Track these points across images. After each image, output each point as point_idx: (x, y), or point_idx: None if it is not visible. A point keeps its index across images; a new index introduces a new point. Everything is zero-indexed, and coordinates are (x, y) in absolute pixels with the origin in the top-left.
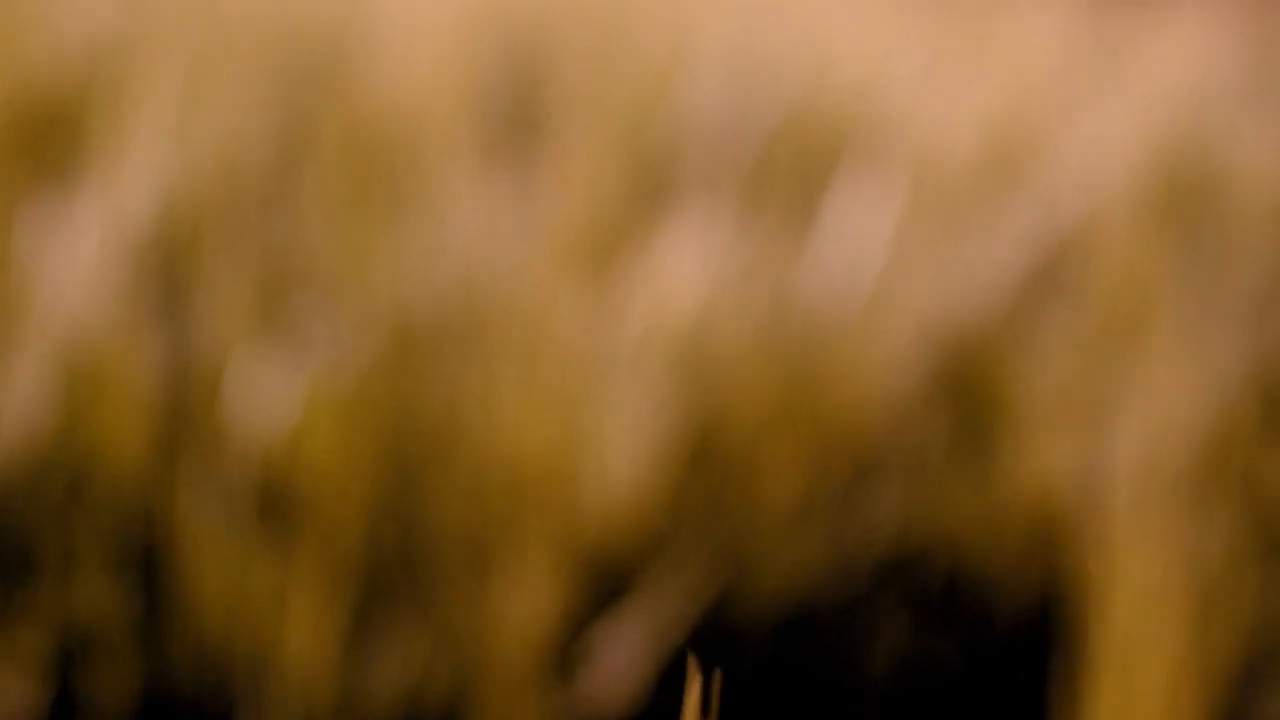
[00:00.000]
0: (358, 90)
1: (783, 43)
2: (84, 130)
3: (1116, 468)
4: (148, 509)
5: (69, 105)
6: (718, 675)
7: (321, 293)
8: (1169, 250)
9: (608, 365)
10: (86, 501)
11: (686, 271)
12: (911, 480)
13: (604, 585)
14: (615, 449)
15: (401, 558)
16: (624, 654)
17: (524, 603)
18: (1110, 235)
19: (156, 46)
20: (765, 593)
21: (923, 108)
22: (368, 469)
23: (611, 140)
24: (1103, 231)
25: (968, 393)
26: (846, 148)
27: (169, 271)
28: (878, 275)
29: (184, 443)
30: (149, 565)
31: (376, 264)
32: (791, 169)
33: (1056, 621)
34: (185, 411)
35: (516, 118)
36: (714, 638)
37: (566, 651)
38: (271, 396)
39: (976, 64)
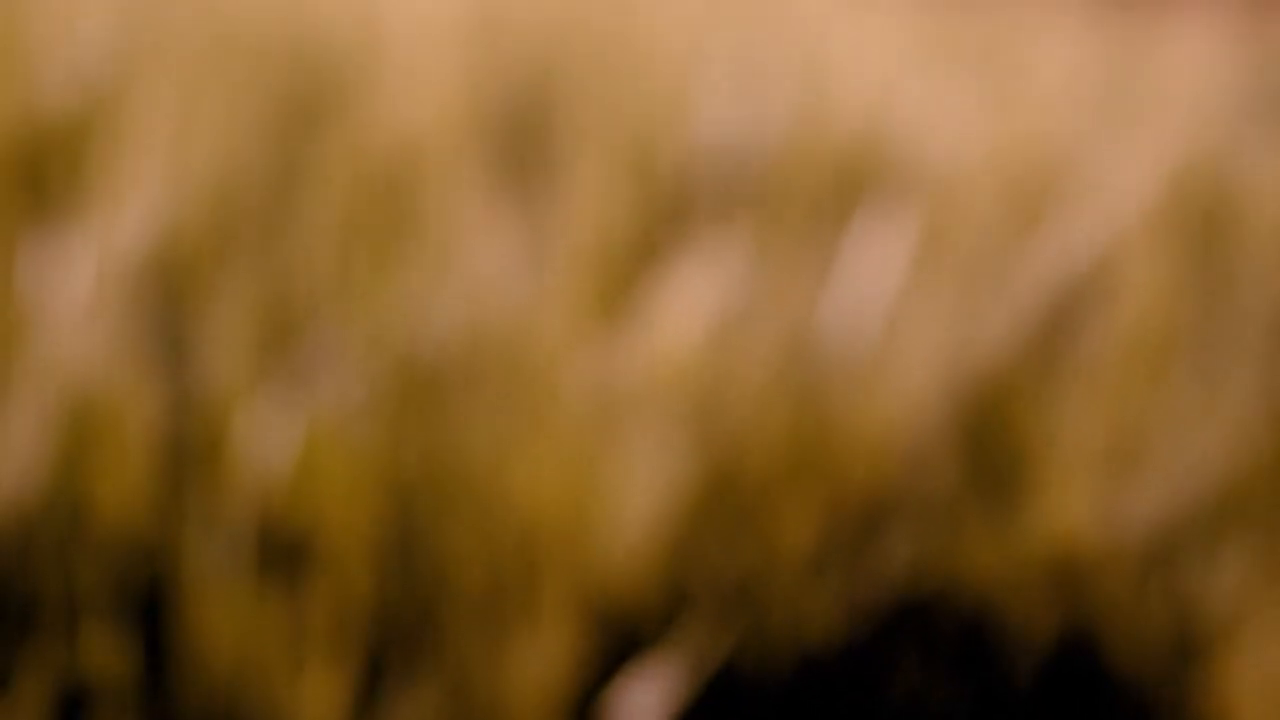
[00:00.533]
0: (363, 120)
1: (794, 67)
2: (84, 164)
3: (1138, 514)
4: (151, 555)
5: (68, 138)
6: None
7: (326, 331)
8: (1189, 286)
9: (620, 410)
10: (88, 548)
11: (698, 313)
12: (929, 526)
13: (619, 637)
14: (629, 497)
15: (413, 607)
16: (641, 707)
17: (539, 655)
18: (1130, 272)
19: (157, 78)
20: (781, 643)
21: (938, 136)
22: (376, 515)
23: (621, 172)
24: (1122, 268)
25: (986, 436)
26: (860, 180)
27: (170, 309)
28: (893, 314)
29: (187, 486)
30: (153, 615)
31: (383, 301)
32: (805, 202)
33: (1076, 669)
34: (188, 453)
35: (524, 147)
36: (730, 689)
37: (582, 705)
38: (276, 438)
39: (990, 87)
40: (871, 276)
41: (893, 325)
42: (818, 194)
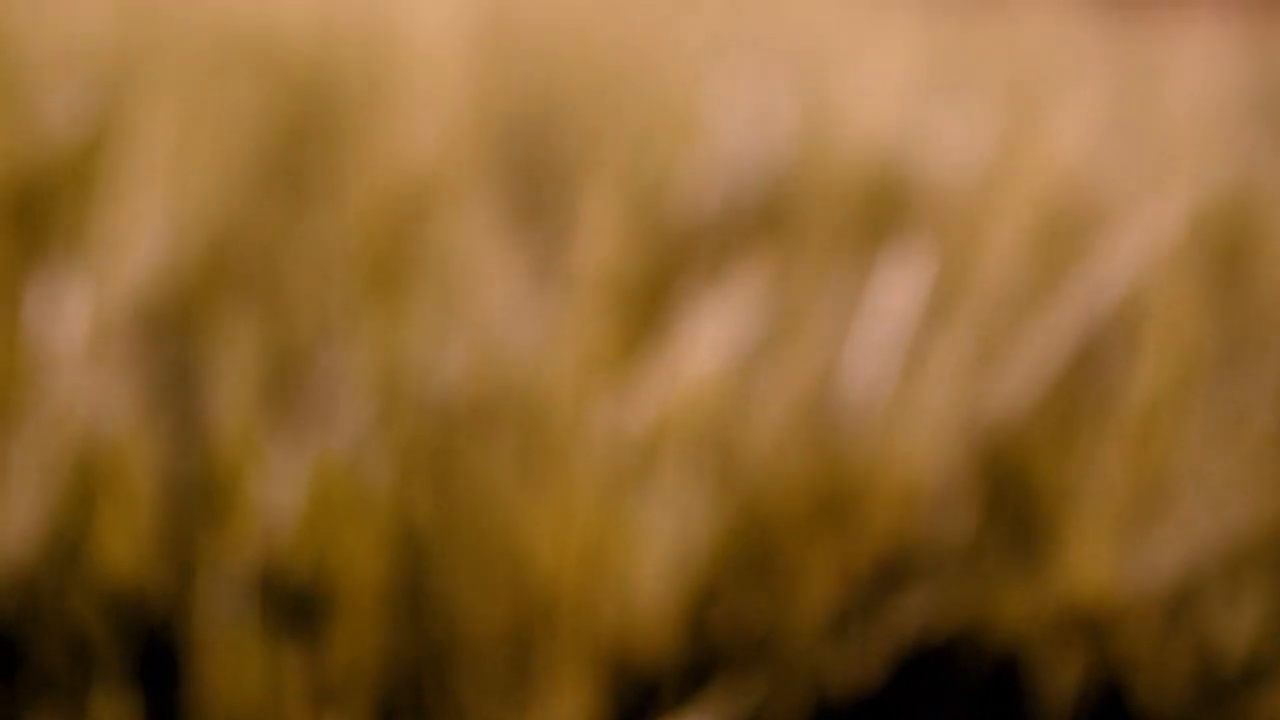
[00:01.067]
0: (370, 153)
1: (807, 92)
2: (84, 202)
3: (1162, 560)
4: (159, 607)
5: (68, 175)
6: None
7: (335, 374)
8: (1212, 328)
9: (638, 458)
10: (94, 601)
11: (715, 357)
12: (952, 576)
13: (639, 693)
14: (648, 549)
15: (427, 661)
16: None
17: (556, 711)
18: (1153, 314)
19: (157, 110)
20: (804, 696)
21: (955, 163)
22: (387, 566)
23: (634, 208)
24: (1146, 310)
25: (1009, 484)
26: (877, 215)
27: (175, 351)
28: (913, 358)
29: (194, 535)
30: (162, 667)
31: (393, 343)
32: (821, 238)
33: (1101, 717)
34: (195, 502)
35: (536, 179)
36: None
37: None
38: (285, 485)
39: (1005, 106)
40: (890, 318)
41: (912, 370)
42: (834, 230)
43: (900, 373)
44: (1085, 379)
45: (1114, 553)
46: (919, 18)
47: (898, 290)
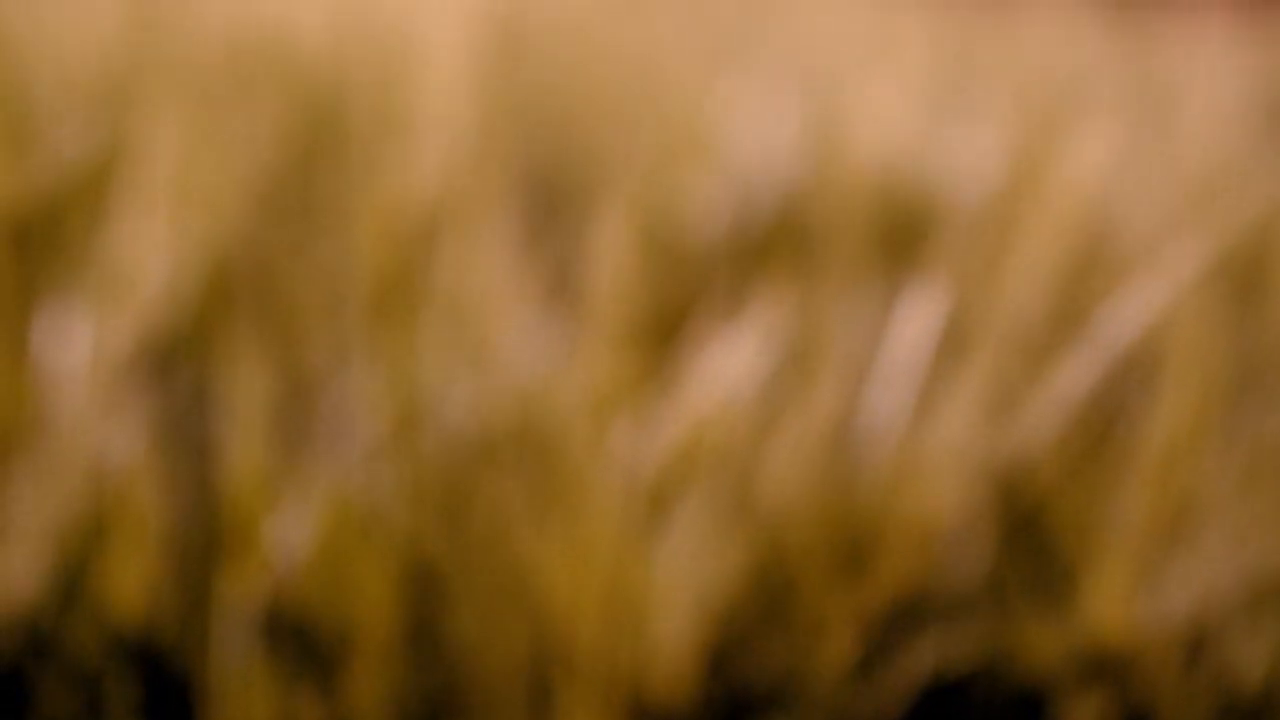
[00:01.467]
0: (381, 181)
1: (820, 119)
2: (87, 234)
3: (1185, 597)
4: (169, 650)
5: (70, 205)
6: None
7: (347, 409)
8: (1234, 360)
9: (655, 498)
10: (102, 645)
11: (732, 393)
12: (973, 617)
13: None
14: (665, 591)
15: (441, 704)
16: None
17: None
18: (1176, 348)
19: (162, 135)
20: None
21: (971, 197)
22: (399, 606)
23: (648, 236)
24: (1168, 344)
25: (1028, 525)
26: (892, 243)
27: (183, 386)
28: (930, 395)
29: (204, 575)
30: (173, 713)
31: (406, 378)
32: (837, 266)
33: None
34: (205, 541)
35: (549, 205)
36: None
37: None
38: (297, 523)
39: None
40: (908, 351)
41: (931, 406)
42: (850, 255)
43: (918, 408)
44: (1105, 414)
45: (1135, 589)
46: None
47: (915, 323)
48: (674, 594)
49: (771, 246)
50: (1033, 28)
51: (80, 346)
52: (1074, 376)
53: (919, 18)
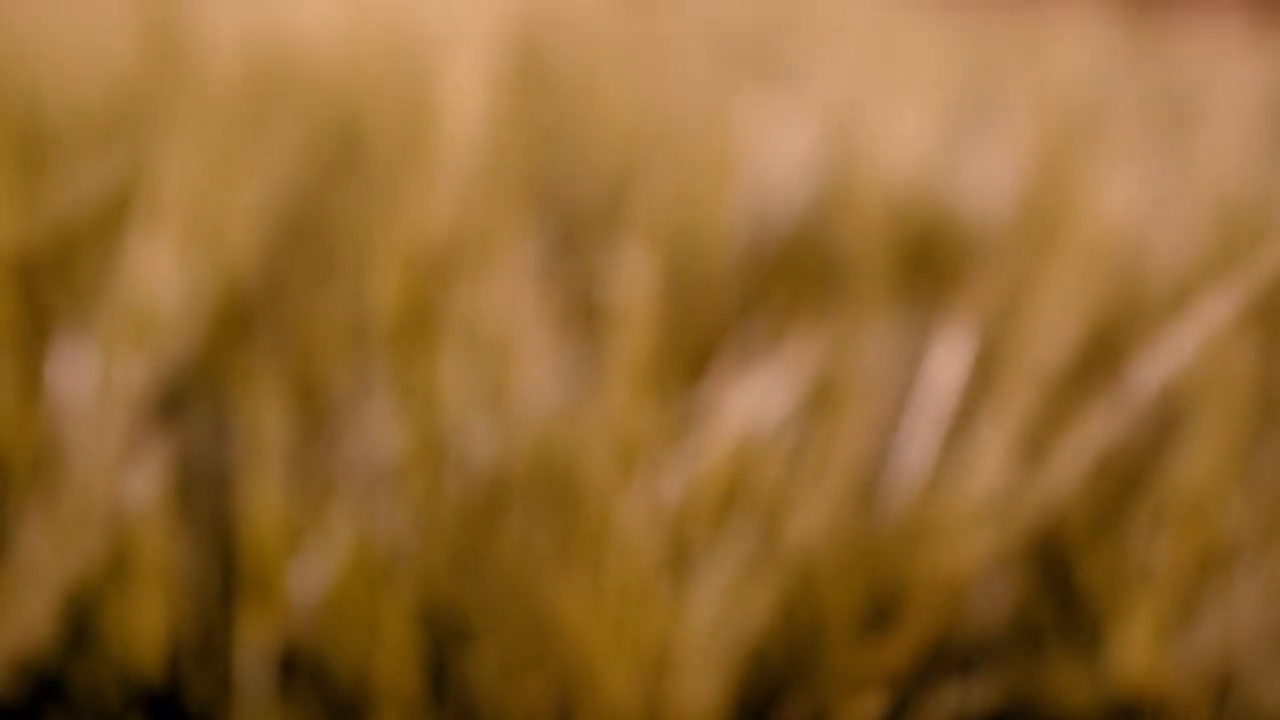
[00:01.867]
0: (400, 214)
1: (842, 143)
2: (106, 269)
3: (1214, 642)
4: (185, 696)
5: (88, 238)
6: None
7: (366, 448)
8: (1265, 399)
9: (680, 541)
10: (118, 689)
11: (755, 435)
12: (1001, 664)
13: None
14: (691, 636)
15: None
16: None
17: None
18: (1206, 389)
19: (182, 167)
20: None
21: (998, 229)
22: (420, 651)
23: (670, 267)
24: (1199, 385)
25: (1057, 571)
26: (918, 283)
27: (201, 423)
28: (956, 445)
29: (222, 620)
30: None
31: (423, 417)
32: (862, 306)
33: None
34: (222, 585)
35: (568, 236)
36: None
37: None
38: (316, 566)
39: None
40: (935, 394)
41: (959, 451)
42: (875, 289)
43: (946, 453)
44: (1134, 458)
45: (1163, 634)
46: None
47: (943, 365)
48: (700, 641)
49: (794, 277)
50: (1050, 29)
51: (95, 384)
52: (1103, 421)
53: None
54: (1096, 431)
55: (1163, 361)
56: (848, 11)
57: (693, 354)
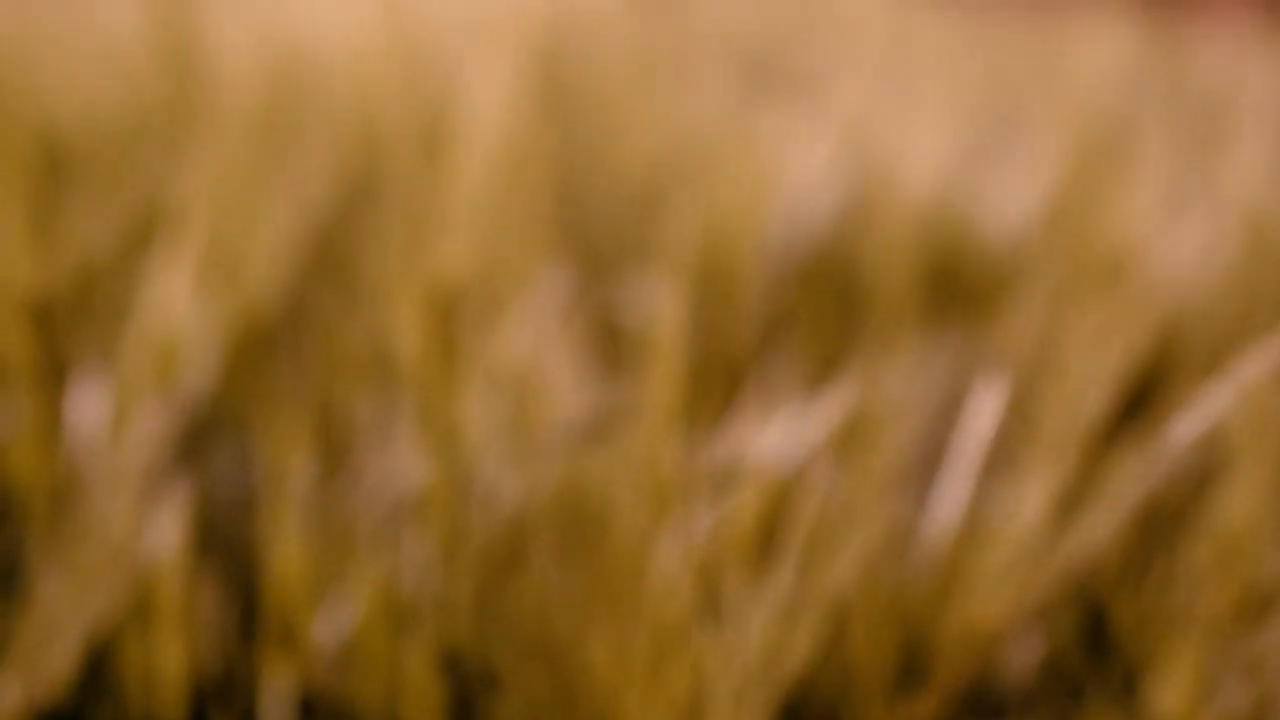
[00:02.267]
0: (422, 249)
1: (867, 169)
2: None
3: (1250, 702)
4: None
5: (105, 277)
6: None
7: (389, 491)
8: None
9: (709, 589)
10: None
11: (788, 481)
12: (1036, 713)
13: None
14: (722, 687)
15: None
16: None
17: None
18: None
19: (201, 200)
20: None
21: (1025, 263)
22: (445, 699)
23: (697, 299)
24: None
25: (1092, 619)
26: (949, 314)
27: (222, 464)
28: (989, 494)
29: (243, 666)
30: None
31: (448, 457)
32: (891, 342)
33: None
34: (244, 630)
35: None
36: None
37: None
38: (337, 613)
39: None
40: (967, 440)
41: (992, 501)
42: (904, 324)
43: (980, 499)
44: (1170, 507)
45: (1201, 685)
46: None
47: (977, 409)
48: (733, 691)
49: (821, 304)
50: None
51: (115, 424)
52: (1142, 468)
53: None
54: (1135, 479)
55: (1203, 407)
56: (864, 14)
57: (720, 387)
